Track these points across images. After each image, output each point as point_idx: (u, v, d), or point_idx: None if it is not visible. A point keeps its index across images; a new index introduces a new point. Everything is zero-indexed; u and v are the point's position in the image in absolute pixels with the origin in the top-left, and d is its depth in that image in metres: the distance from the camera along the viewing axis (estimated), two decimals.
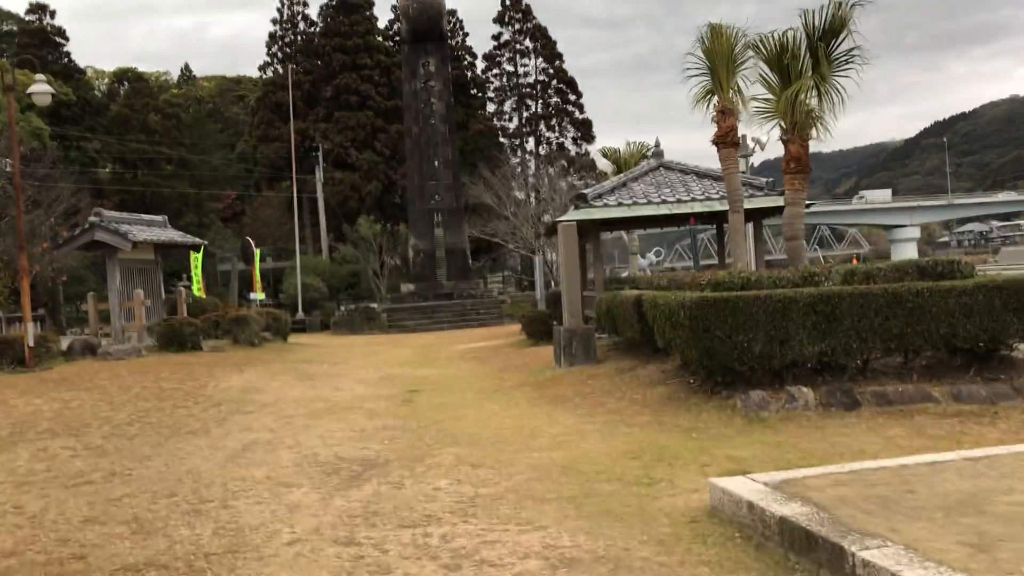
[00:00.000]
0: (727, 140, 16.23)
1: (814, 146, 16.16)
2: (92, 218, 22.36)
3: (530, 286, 53.39)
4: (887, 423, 9.77)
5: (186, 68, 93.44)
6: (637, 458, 8.49)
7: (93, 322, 23.27)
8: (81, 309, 28.35)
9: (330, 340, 30.71)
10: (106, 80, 60.25)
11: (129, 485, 7.92)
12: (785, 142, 13.03)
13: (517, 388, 13.89)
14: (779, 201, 19.03)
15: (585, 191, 19.75)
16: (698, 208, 19.20)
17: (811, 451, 8.59)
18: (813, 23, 12.35)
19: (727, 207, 19.27)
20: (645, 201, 19.35)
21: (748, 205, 17.02)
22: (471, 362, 19.00)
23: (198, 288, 30.03)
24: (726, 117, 16.22)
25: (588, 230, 21.58)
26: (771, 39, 12.84)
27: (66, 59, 55.26)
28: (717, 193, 19.56)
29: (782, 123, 13.15)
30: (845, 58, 12.43)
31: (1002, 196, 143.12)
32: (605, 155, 27.08)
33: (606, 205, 19.27)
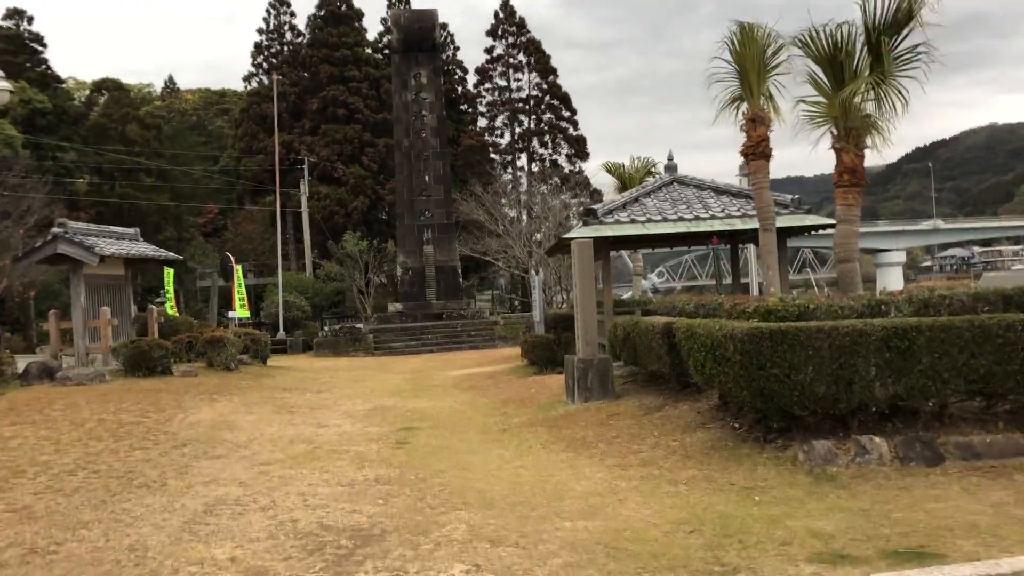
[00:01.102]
0: (758, 151, 14.71)
1: (795, 169, 14.77)
2: (55, 229, 20.49)
3: (522, 306, 51.71)
4: (983, 483, 8.15)
5: (170, 80, 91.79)
6: (697, 532, 6.81)
7: (54, 342, 21.38)
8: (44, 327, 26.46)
9: (313, 363, 28.86)
10: (86, 91, 58.28)
11: (51, 571, 6.13)
12: (838, 151, 11.47)
13: (527, 427, 12.17)
14: (808, 220, 17.53)
15: (594, 206, 18.14)
16: (718, 226, 17.64)
17: (910, 523, 6.93)
18: (874, 15, 10.81)
19: (749, 225, 17.74)
20: (660, 218, 17.81)
21: (779, 223, 15.46)
22: (468, 392, 17.26)
23: (171, 306, 28.16)
24: (756, 126, 14.72)
25: (597, 249, 19.96)
26: (822, 35, 11.28)
27: (44, 66, 53.31)
28: (738, 210, 18.05)
29: (833, 129, 11.59)
30: (909, 55, 10.89)
31: (986, 222, 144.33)
32: (609, 170, 25.56)
33: (618, 222, 17.70)
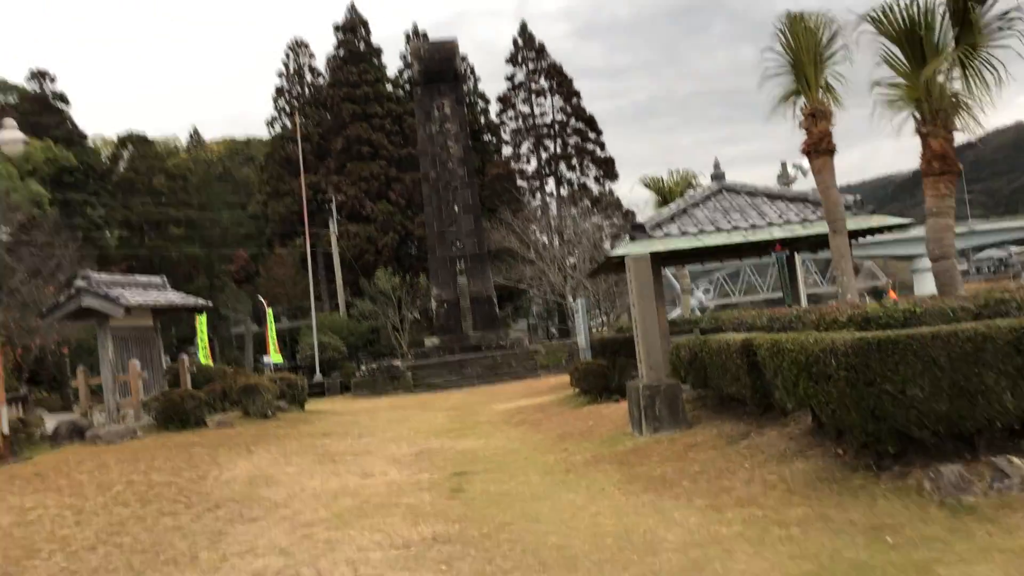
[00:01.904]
0: (821, 147, 13.54)
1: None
2: (78, 282, 19.78)
3: (559, 333, 50.51)
4: None
5: (195, 132, 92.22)
6: None
7: (83, 400, 20.57)
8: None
9: (352, 404, 27.82)
10: (111, 148, 58.45)
11: None
12: (924, 136, 10.24)
13: (593, 466, 10.95)
14: (875, 220, 16.26)
15: (642, 221, 16.99)
16: (778, 233, 16.40)
17: None
18: None
19: (810, 230, 16.51)
20: (713, 229, 16.63)
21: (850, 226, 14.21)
22: (520, 427, 16.07)
23: (205, 355, 27.35)
24: (817, 120, 13.56)
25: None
26: (897, 8, 10.10)
27: (68, 124, 53.51)
28: (796, 215, 16.83)
29: (916, 113, 10.37)
30: (999, 24, 9.69)
31: (1022, 221, 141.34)
32: (647, 185, 24.43)
33: (667, 235, 16.54)
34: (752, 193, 18.05)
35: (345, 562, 7.32)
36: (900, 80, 10.41)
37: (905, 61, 10.31)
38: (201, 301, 23.04)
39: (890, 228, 16.07)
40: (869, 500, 7.50)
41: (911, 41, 10.06)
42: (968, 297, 8.87)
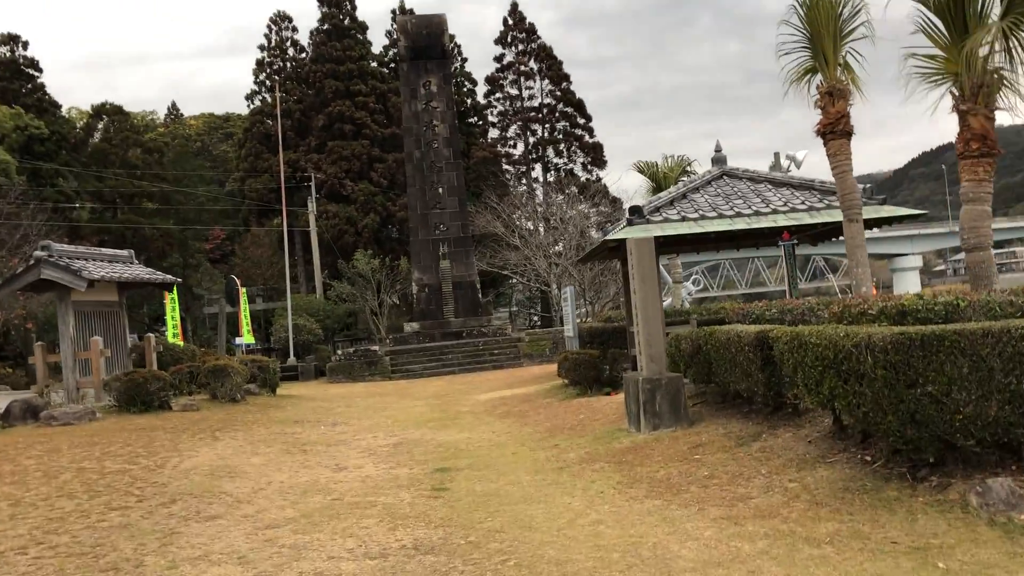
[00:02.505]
0: (837, 129, 12.67)
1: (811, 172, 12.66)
2: (38, 252, 18.60)
3: (541, 321, 49.58)
4: None
5: (173, 107, 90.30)
6: None
7: (41, 377, 19.38)
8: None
9: (327, 390, 26.77)
10: (85, 118, 56.62)
11: None
12: (963, 113, 9.36)
13: (589, 464, 10.04)
14: (886, 211, 15.41)
15: (640, 204, 16.07)
16: (782, 221, 15.51)
17: None
18: None
19: (817, 219, 15.66)
20: (715, 215, 15.71)
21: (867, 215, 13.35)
22: (505, 419, 15.13)
23: (174, 334, 26.18)
24: (834, 100, 12.69)
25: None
26: None
27: (40, 92, 51.72)
28: (802, 203, 15.95)
29: (954, 89, 9.49)
30: None
31: (1000, 223, 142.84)
32: (641, 170, 23.48)
33: (667, 220, 15.63)
34: (755, 179, 17.18)
35: (313, 573, 6.36)
36: (938, 52, 9.53)
37: (945, 32, 9.43)
38: (170, 277, 21.88)
39: (901, 219, 15.22)
40: (907, 516, 6.63)
41: (953, 10, 9.18)
42: (1015, 291, 8.00)
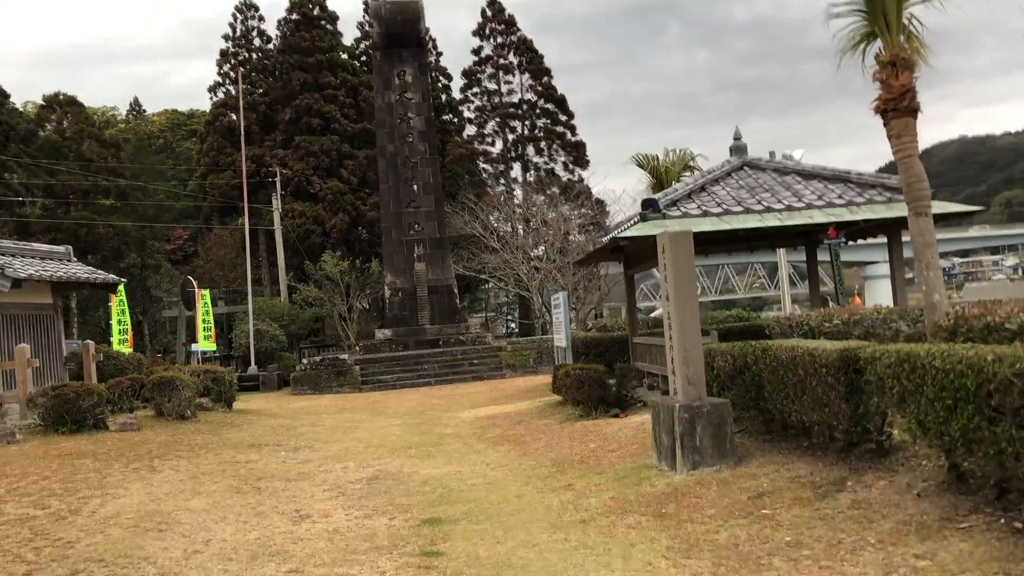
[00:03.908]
0: (902, 105, 10.56)
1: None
2: None
3: (521, 329, 47.41)
4: None
5: (135, 103, 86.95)
6: None
7: None
8: None
9: (290, 403, 24.34)
10: (31, 106, 53.49)
11: None
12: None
13: (619, 516, 7.85)
14: (963, 207, 13.50)
15: (655, 196, 13.96)
16: (819, 217, 13.52)
17: None
18: None
19: (858, 215, 13.68)
20: (741, 209, 13.69)
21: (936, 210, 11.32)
22: (500, 447, 12.89)
23: (121, 340, 23.62)
24: (898, 71, 10.58)
25: (646, 252, 15.78)
26: None
27: None
28: (839, 197, 13.96)
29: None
30: None
31: (973, 231, 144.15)
32: (640, 164, 21.38)
33: (686, 215, 13.56)
34: (781, 170, 15.17)
35: None
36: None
37: None
38: (112, 277, 19.41)
39: (963, 215, 13.28)
40: None
41: None
42: None
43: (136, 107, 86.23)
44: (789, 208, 13.67)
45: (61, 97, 50.09)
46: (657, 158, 21.37)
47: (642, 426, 12.15)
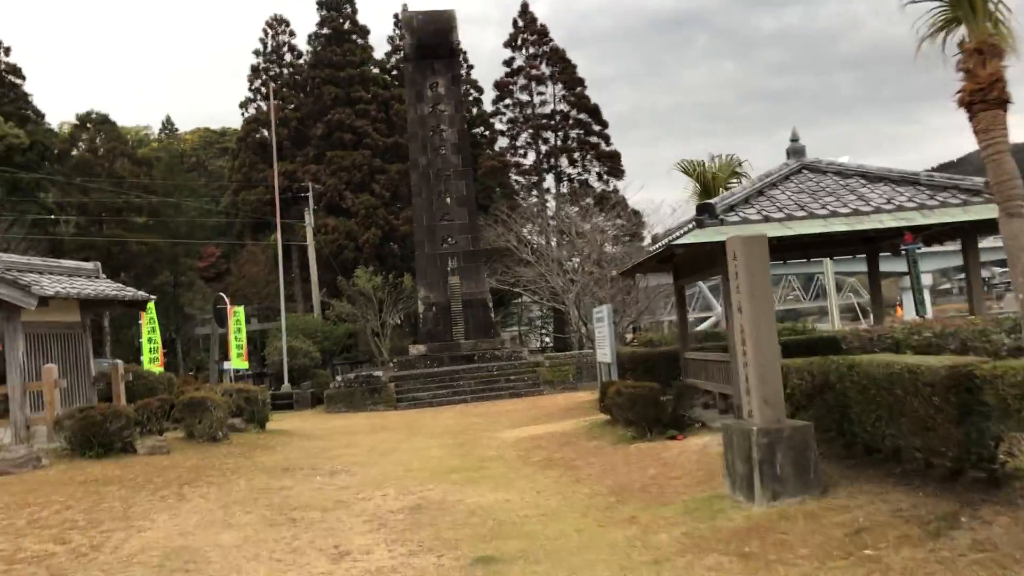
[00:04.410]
0: (990, 97, 9.64)
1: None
2: None
3: (556, 344, 46.54)
4: None
5: (167, 121, 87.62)
6: None
7: None
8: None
9: (324, 423, 23.67)
10: (67, 127, 53.71)
11: None
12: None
13: (697, 557, 6.97)
14: None
15: (711, 201, 13.09)
16: (889, 222, 12.58)
17: None
18: None
19: (930, 219, 12.70)
20: (804, 214, 12.79)
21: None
22: (550, 472, 12.03)
23: (152, 359, 23.13)
24: (986, 60, 9.68)
25: (700, 261, 14.91)
26: None
27: (23, 100, 48.93)
28: (909, 200, 13.00)
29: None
30: None
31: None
32: (686, 171, 20.47)
33: (745, 220, 12.67)
34: (843, 173, 14.23)
35: None
36: None
37: None
38: (142, 294, 18.87)
39: None
40: None
41: None
42: None
43: (168, 126, 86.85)
44: (856, 212, 12.73)
45: (94, 116, 50.29)
46: (703, 164, 20.46)
47: (704, 450, 11.26)
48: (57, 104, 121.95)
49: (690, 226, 13.19)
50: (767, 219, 12.55)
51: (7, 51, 48.76)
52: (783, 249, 15.31)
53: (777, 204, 13.14)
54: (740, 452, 8.41)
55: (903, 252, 12.91)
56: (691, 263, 15.13)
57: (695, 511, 8.39)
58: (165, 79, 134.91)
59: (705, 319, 52.34)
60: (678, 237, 13.09)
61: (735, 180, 21.54)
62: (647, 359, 17.95)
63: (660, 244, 14.83)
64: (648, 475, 10.44)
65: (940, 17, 10.23)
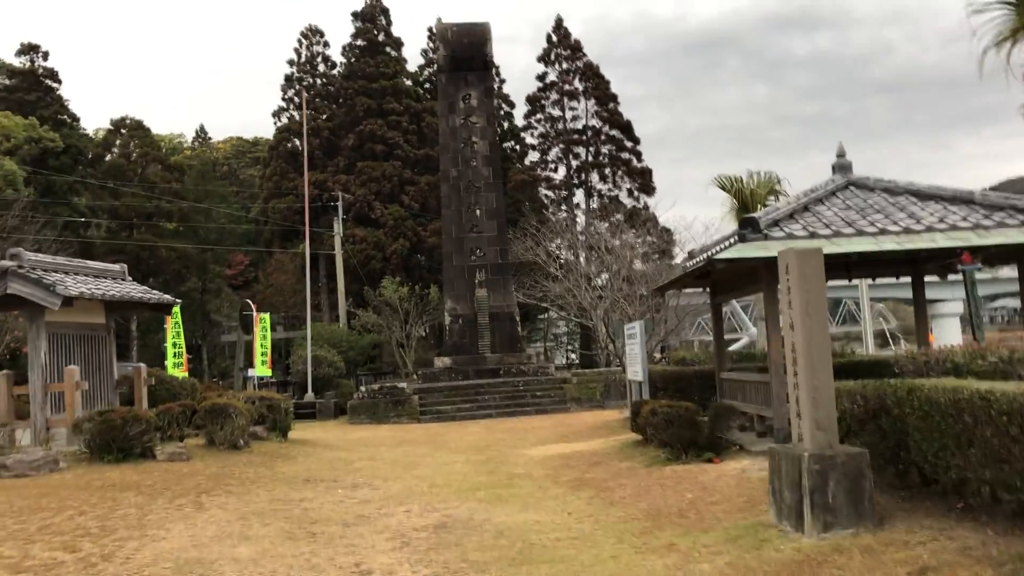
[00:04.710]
0: None
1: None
2: (5, 262, 15.42)
3: (581, 360, 45.99)
4: None
5: (201, 130, 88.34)
6: None
7: (3, 414, 16.05)
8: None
9: (347, 433, 23.29)
10: (102, 133, 54.16)
11: None
12: None
13: None
14: None
15: (755, 215, 12.59)
16: (943, 241, 12.00)
17: None
18: None
19: (987, 240, 12.11)
20: (853, 232, 12.24)
21: None
22: (580, 492, 11.53)
23: (176, 363, 22.91)
24: None
25: (741, 278, 14.40)
26: None
27: (58, 104, 49.39)
28: (964, 220, 12.40)
29: None
30: None
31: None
32: (723, 187, 20.04)
33: (790, 235, 12.15)
34: (891, 190, 13.64)
35: None
36: None
37: None
38: (167, 297, 18.63)
39: None
40: None
41: None
42: None
43: (202, 134, 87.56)
44: (907, 231, 12.16)
45: (128, 121, 50.68)
46: (740, 180, 19.98)
47: (743, 474, 10.72)
48: (96, 111, 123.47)
49: (731, 241, 12.69)
50: (813, 235, 12.01)
51: (45, 55, 49.29)
52: (825, 268, 14.75)
53: (823, 220, 12.60)
54: (788, 479, 7.88)
55: (960, 272, 12.32)
56: (730, 280, 14.60)
57: (739, 539, 7.87)
58: (201, 88, 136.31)
59: (736, 340, 51.44)
60: (719, 252, 12.59)
61: (772, 198, 21.03)
62: (680, 378, 17.42)
63: (698, 259, 14.31)
64: (685, 499, 9.91)
65: (1006, 26, 9.75)
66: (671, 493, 10.38)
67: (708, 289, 16.67)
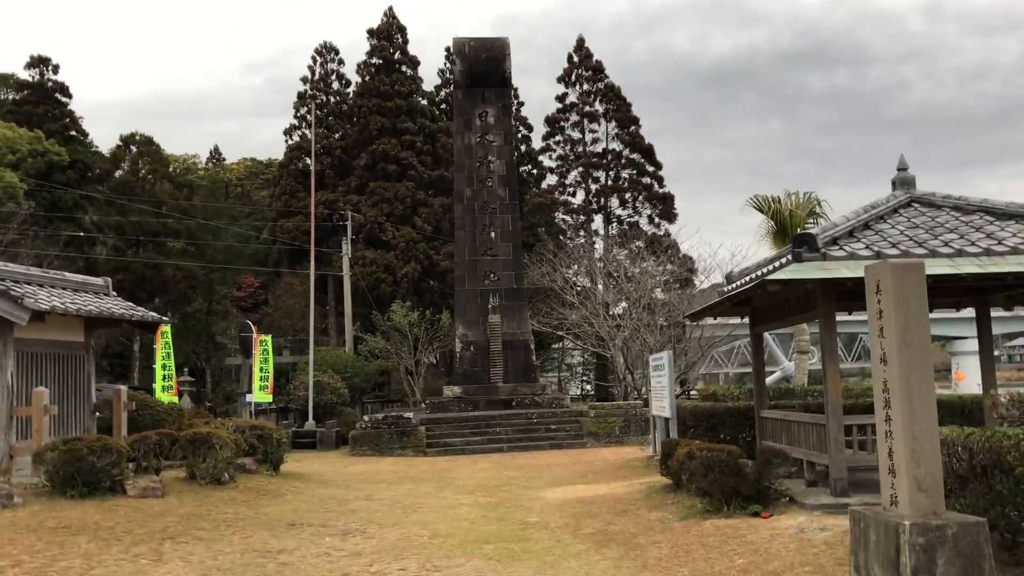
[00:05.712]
0: None
1: None
2: None
3: (597, 392, 44.21)
4: None
5: (215, 151, 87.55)
6: None
7: None
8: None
9: (346, 467, 21.62)
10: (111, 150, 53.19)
11: None
12: None
13: None
14: None
15: (811, 232, 10.98)
16: (1017, 267, 10.39)
17: None
18: None
19: None
20: (925, 252, 10.64)
21: None
22: (607, 551, 9.81)
23: (165, 387, 21.37)
24: None
25: (789, 303, 12.76)
26: None
27: (68, 119, 48.45)
28: None
29: None
30: None
31: None
32: (760, 208, 18.52)
33: (853, 255, 10.58)
34: (962, 208, 12.03)
35: None
36: None
37: None
38: (153, 315, 17.18)
39: None
40: None
41: None
42: None
43: (216, 155, 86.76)
44: (988, 252, 10.55)
45: (138, 137, 49.62)
46: (779, 200, 18.40)
47: (802, 535, 9.02)
48: (109, 130, 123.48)
49: (783, 260, 11.10)
50: (879, 255, 10.40)
51: (55, 68, 48.45)
52: (851, 296, 12.98)
53: (889, 239, 11.00)
54: (880, 553, 6.21)
55: None
56: (776, 306, 12.98)
57: None
58: (216, 107, 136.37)
59: (770, 372, 49.47)
60: (770, 272, 10.98)
61: (812, 220, 19.45)
62: (711, 415, 15.76)
63: (740, 282, 12.71)
64: (736, 565, 8.22)
65: None
66: (717, 556, 8.69)
67: (747, 318, 15.01)
